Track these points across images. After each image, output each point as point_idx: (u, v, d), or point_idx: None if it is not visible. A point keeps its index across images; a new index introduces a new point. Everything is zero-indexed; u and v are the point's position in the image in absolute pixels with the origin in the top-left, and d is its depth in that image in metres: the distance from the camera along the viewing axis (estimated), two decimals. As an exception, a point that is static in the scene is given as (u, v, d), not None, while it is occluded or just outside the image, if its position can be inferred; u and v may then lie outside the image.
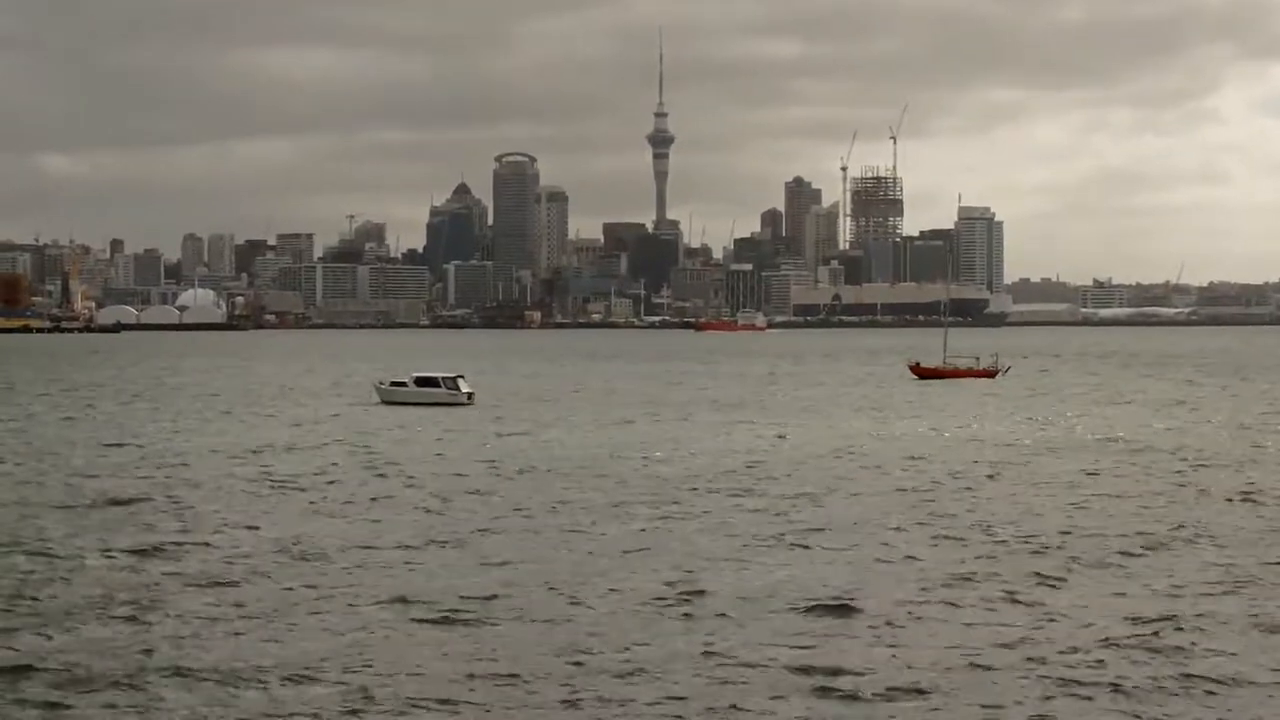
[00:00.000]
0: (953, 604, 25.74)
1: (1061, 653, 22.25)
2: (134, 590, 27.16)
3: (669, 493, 41.53)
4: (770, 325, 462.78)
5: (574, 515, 36.94)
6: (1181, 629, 23.68)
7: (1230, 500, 40.22)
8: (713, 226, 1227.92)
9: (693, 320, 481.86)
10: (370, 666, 21.45)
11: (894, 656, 22.00)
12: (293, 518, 37.06)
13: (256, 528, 35.19)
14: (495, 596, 26.40)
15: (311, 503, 40.07)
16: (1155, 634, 23.27)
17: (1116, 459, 51.98)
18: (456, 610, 25.24)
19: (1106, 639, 22.92)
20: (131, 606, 25.63)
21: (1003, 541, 32.87)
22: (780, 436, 61.84)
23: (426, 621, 24.54)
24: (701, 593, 26.66)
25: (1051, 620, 24.47)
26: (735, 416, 75.00)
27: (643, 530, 34.63)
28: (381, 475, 46.85)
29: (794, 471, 47.67)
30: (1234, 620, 24.50)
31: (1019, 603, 25.87)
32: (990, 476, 46.10)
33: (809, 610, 25.14)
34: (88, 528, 35.32)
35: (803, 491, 42.00)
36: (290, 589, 27.39)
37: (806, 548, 32.07)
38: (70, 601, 26.27)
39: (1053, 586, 27.33)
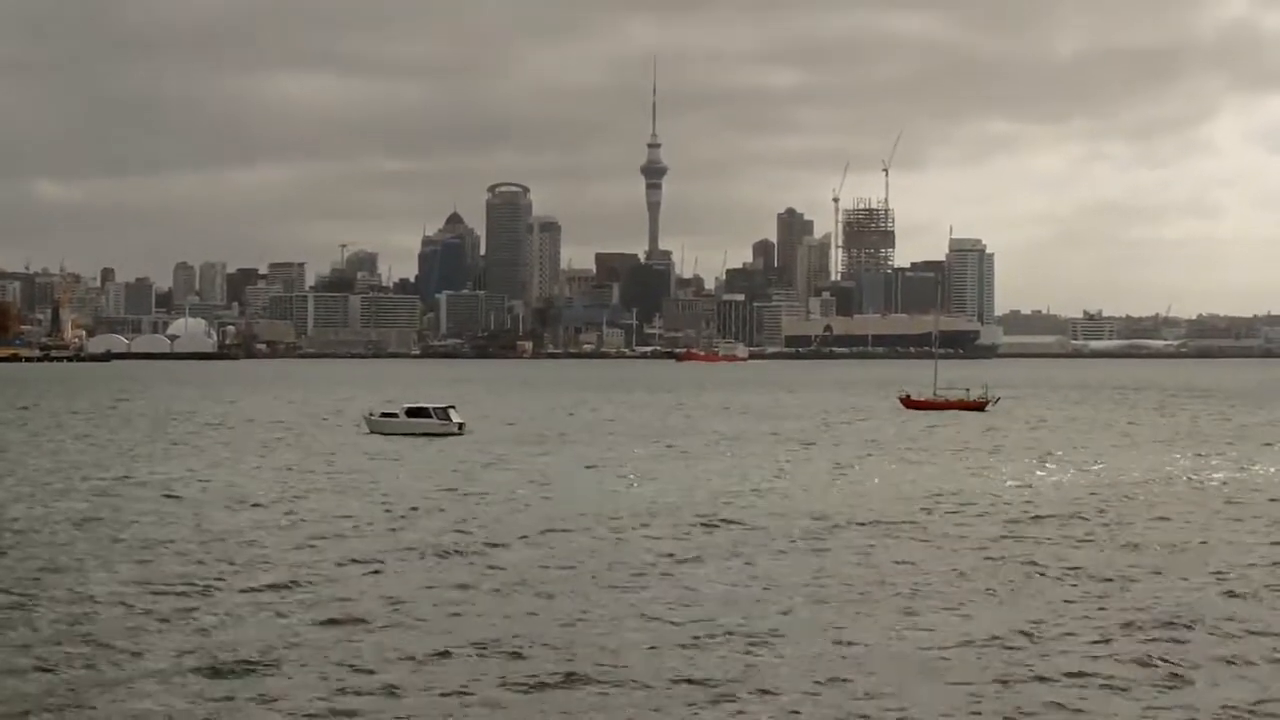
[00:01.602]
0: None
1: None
2: (140, 635, 26.75)
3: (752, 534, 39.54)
4: (752, 356, 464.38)
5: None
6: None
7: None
8: (705, 257, 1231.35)
9: (667, 350, 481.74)
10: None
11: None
12: (320, 563, 35.93)
13: (291, 583, 33.61)
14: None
15: (321, 538, 39.44)
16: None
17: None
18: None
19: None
20: (137, 650, 25.20)
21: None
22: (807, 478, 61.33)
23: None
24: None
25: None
26: (730, 451, 74.76)
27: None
28: (389, 513, 45.85)
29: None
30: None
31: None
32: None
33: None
34: (88, 564, 34.99)
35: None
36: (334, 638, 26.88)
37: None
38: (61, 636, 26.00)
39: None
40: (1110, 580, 32.12)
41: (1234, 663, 24.11)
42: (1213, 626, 26.94)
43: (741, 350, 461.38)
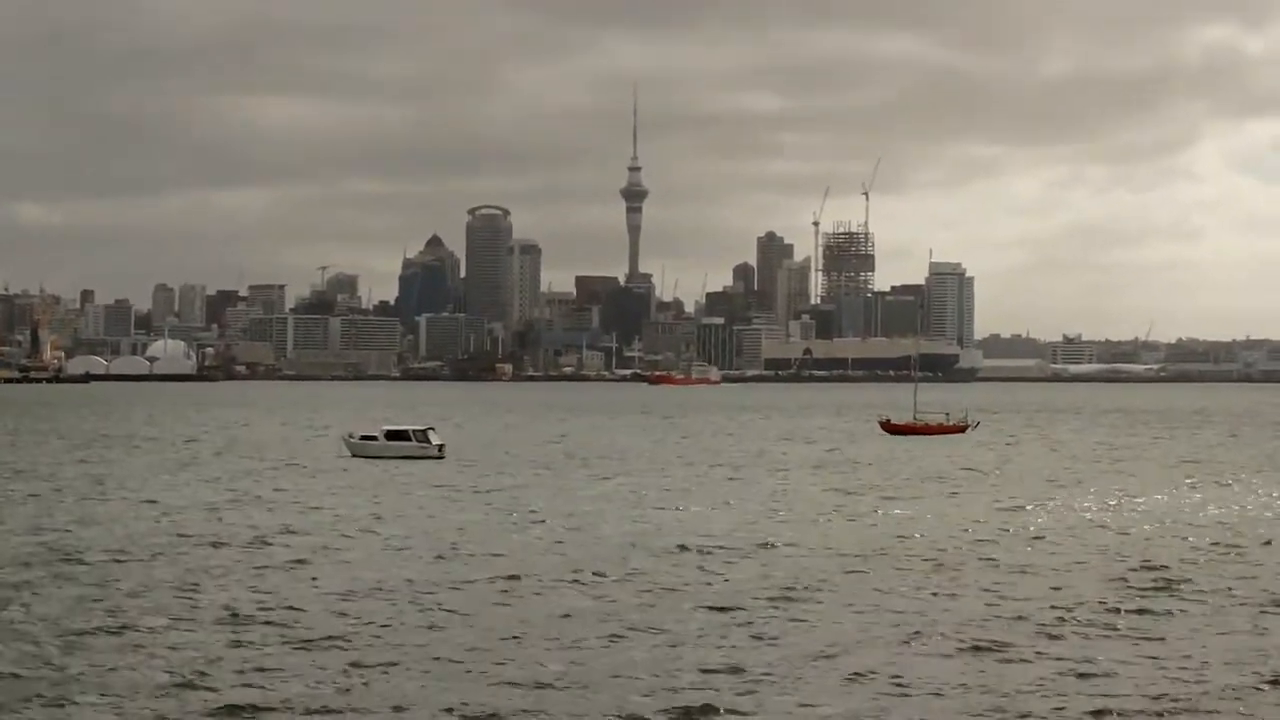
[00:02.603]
0: None
1: None
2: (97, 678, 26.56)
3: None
4: (729, 379, 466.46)
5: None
6: None
7: None
8: (685, 280, 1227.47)
9: (646, 373, 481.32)
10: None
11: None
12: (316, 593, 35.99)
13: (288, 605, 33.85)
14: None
15: (322, 568, 39.27)
16: None
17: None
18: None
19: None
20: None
21: None
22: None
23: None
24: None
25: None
26: (730, 475, 74.71)
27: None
28: (385, 542, 45.66)
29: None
30: None
31: None
32: None
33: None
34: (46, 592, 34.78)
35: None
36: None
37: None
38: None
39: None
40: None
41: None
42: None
43: (714, 373, 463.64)
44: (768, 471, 75.55)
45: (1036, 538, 45.22)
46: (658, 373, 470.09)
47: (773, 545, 42.68)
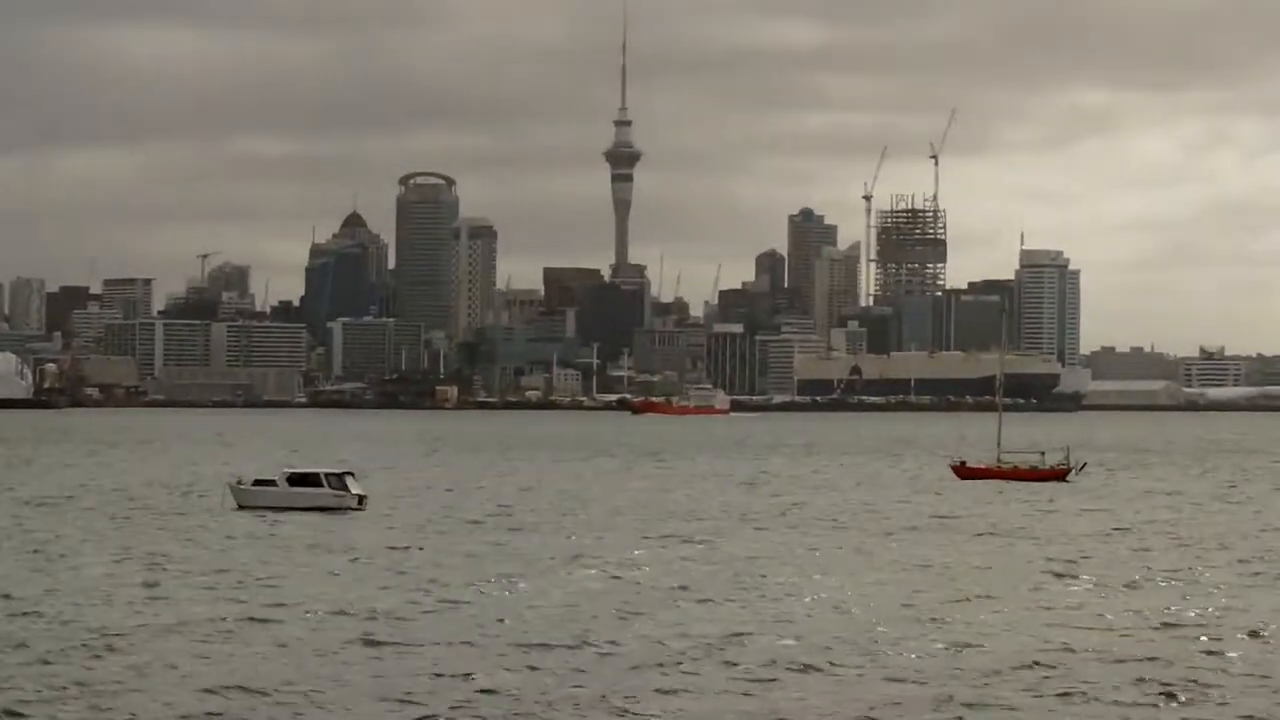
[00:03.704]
0: None
1: None
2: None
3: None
4: (742, 407, 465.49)
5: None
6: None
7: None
8: (691, 274, 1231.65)
9: (637, 399, 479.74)
10: None
11: None
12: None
13: None
14: None
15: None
16: None
17: None
18: None
19: None
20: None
21: None
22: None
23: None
24: None
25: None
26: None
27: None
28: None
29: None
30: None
31: None
32: None
33: None
34: None
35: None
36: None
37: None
38: None
39: None
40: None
41: None
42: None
43: (720, 399, 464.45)
44: (790, 528, 75.41)
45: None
46: (644, 398, 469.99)
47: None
